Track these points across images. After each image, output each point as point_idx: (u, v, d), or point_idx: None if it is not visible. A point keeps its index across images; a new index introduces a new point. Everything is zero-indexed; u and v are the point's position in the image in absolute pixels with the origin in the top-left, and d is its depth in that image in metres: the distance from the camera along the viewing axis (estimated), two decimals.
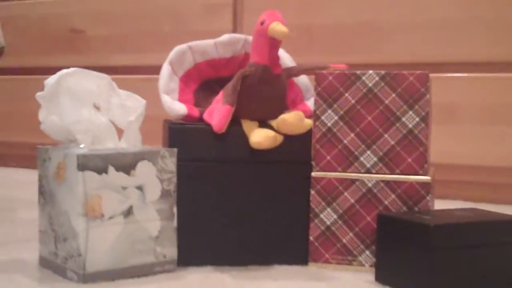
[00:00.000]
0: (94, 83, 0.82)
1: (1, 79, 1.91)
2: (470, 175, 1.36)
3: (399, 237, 0.74)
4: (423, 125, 0.82)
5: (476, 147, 1.33)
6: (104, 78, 0.83)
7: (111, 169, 0.76)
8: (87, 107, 0.81)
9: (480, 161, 1.33)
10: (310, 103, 0.92)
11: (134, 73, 1.67)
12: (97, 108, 0.81)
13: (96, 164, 0.75)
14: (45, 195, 0.81)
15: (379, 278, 0.77)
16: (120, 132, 0.83)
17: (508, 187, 1.34)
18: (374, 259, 0.82)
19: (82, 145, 0.79)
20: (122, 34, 1.70)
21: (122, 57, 1.70)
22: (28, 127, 1.76)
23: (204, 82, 0.92)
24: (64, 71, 0.80)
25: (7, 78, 1.90)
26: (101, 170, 0.75)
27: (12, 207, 1.24)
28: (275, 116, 0.84)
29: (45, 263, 0.81)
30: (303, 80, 0.94)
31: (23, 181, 1.62)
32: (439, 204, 1.03)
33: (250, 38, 0.88)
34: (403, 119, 0.82)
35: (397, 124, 0.82)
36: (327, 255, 0.84)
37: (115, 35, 1.71)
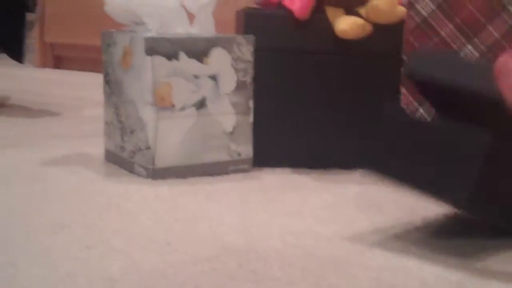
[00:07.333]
0: None
1: None
2: None
3: None
4: None
5: None
6: None
7: (182, 55, 0.68)
8: None
9: None
10: None
11: None
12: None
13: (165, 48, 0.67)
14: (110, 83, 0.74)
15: None
16: (191, 17, 0.75)
17: None
18: None
19: (150, 29, 0.72)
20: None
21: None
22: (93, 30, 1.72)
23: None
24: None
25: None
26: (171, 56, 0.68)
27: (80, 105, 1.20)
28: (363, 3, 0.77)
29: (111, 157, 0.75)
30: None
31: (93, 82, 1.58)
32: None
33: None
34: (511, 7, 0.72)
35: (504, 14, 0.73)
36: None
37: None
